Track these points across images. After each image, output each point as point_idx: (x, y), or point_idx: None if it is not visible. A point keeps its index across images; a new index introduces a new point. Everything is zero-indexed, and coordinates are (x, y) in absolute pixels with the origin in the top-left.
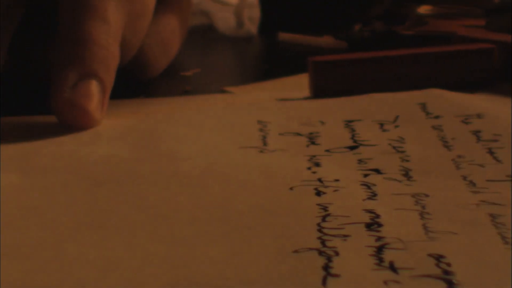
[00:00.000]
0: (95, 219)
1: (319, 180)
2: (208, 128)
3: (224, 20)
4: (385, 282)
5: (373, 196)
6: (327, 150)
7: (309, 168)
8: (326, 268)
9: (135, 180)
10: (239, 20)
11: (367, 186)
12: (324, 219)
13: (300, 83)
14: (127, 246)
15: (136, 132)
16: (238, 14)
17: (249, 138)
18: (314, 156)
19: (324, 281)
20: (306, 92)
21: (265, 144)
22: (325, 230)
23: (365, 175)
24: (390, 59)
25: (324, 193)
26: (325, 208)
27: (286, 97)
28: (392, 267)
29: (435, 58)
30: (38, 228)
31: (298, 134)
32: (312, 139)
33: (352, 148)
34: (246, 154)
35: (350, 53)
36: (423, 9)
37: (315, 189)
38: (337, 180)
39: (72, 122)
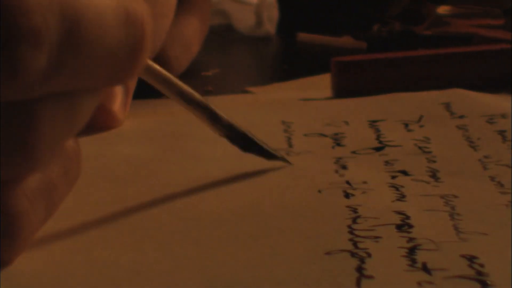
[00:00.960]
0: (125, 222)
1: (347, 182)
2: None
3: (243, 20)
4: (419, 283)
5: (401, 197)
6: (353, 152)
7: (336, 171)
8: (359, 269)
9: (163, 182)
10: (258, 20)
11: (395, 187)
12: (354, 220)
13: (321, 83)
14: (159, 249)
15: (160, 132)
16: (258, 13)
17: (274, 139)
18: (341, 158)
19: (358, 282)
20: (328, 92)
21: (290, 145)
22: (356, 232)
23: (393, 177)
24: (413, 59)
25: (352, 195)
26: (354, 210)
27: (308, 97)
28: (425, 268)
29: (457, 58)
30: (68, 231)
31: (323, 135)
32: (337, 140)
33: (378, 149)
34: None
35: (372, 54)
36: (442, 9)
37: (344, 191)
38: (365, 182)
39: (95, 123)
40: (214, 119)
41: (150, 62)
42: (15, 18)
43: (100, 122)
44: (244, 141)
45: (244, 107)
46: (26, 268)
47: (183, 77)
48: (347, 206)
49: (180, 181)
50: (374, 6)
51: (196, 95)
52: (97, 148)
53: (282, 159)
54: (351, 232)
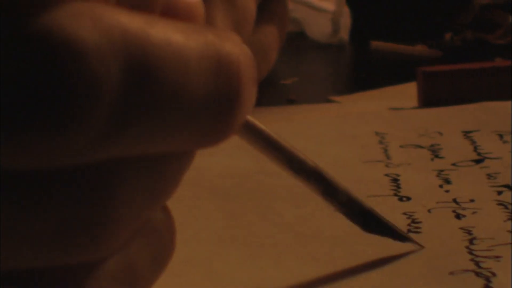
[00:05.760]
0: (237, 235)
1: (455, 201)
2: (327, 140)
3: (319, 27)
4: None
5: None
6: (453, 164)
7: (441, 186)
8: None
9: (267, 195)
10: (335, 28)
11: (504, 205)
12: (471, 242)
13: (406, 93)
14: (276, 266)
15: None
16: (335, 21)
17: (371, 151)
18: (442, 170)
19: None
20: (414, 101)
21: (388, 157)
22: (475, 252)
23: (499, 193)
24: (500, 69)
25: (463, 215)
26: (469, 232)
27: (395, 107)
28: None
29: None
30: (182, 243)
31: (419, 146)
32: (435, 152)
33: (477, 161)
34: (372, 169)
35: (458, 64)
36: None
37: (454, 211)
38: (472, 201)
39: None
40: (330, 192)
41: (251, 119)
42: (67, 63)
43: None
44: (366, 219)
45: (333, 118)
46: None
47: (261, 85)
48: (461, 228)
49: (286, 195)
50: (445, 14)
51: (309, 162)
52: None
53: (412, 241)
54: (470, 253)
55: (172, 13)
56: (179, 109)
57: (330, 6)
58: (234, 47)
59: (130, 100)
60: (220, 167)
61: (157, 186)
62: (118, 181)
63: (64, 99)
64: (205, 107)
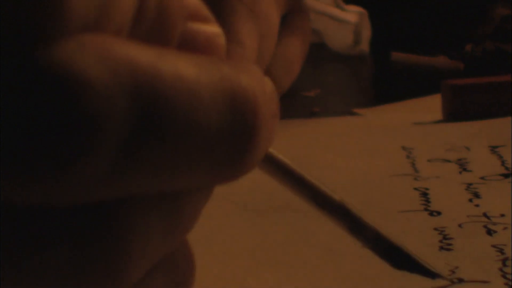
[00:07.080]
0: (270, 253)
1: (485, 215)
2: (353, 154)
3: (340, 39)
4: None
5: None
6: (482, 178)
7: (470, 200)
8: None
9: (296, 212)
10: (356, 39)
11: None
12: (504, 263)
13: (430, 106)
14: (309, 284)
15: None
16: (357, 32)
17: (398, 165)
18: (471, 184)
19: None
20: (438, 114)
21: (416, 171)
22: (509, 276)
23: None
24: None
25: (495, 231)
26: (501, 251)
27: (418, 120)
28: None
29: None
30: (213, 258)
31: (447, 160)
32: (463, 165)
33: (506, 176)
34: (401, 183)
35: (484, 77)
36: None
37: (485, 226)
38: (503, 215)
39: None
40: (356, 228)
41: (273, 153)
42: (69, 98)
43: None
44: (395, 256)
45: (358, 132)
46: None
47: (284, 98)
48: (493, 246)
49: (314, 211)
50: (465, 25)
51: (334, 196)
52: None
53: (446, 278)
54: (504, 276)
55: (191, 46)
56: (190, 146)
57: (352, 18)
58: (252, 81)
59: (138, 137)
60: (249, 182)
61: (173, 222)
62: (132, 218)
63: (64, 136)
64: (219, 144)
